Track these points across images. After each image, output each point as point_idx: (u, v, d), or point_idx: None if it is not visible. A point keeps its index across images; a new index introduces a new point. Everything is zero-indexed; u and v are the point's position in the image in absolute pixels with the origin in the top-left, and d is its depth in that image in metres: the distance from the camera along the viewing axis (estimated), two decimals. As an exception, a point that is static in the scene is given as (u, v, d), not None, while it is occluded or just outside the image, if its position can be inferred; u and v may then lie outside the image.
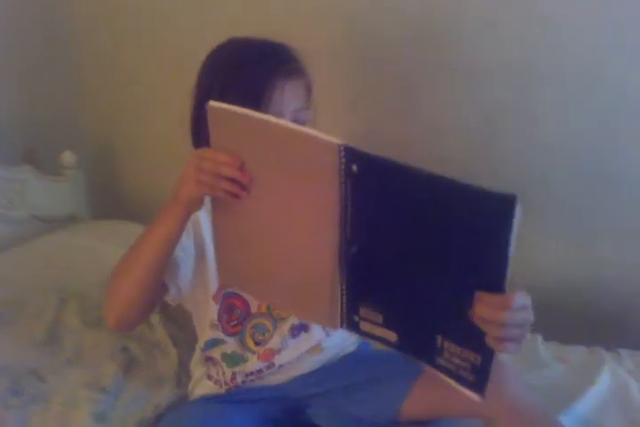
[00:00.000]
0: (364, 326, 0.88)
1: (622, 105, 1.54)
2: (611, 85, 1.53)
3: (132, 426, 1.12)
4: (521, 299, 0.72)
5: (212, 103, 0.86)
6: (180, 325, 1.46)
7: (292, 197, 0.87)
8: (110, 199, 2.28)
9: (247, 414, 1.14)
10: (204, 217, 1.11)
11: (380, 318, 0.86)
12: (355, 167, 0.77)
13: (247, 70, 1.03)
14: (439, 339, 0.81)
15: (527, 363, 1.36)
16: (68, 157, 2.03)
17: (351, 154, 0.77)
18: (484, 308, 0.72)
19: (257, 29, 1.08)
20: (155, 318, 1.46)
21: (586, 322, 1.68)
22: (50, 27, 2.05)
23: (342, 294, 0.88)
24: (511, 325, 0.71)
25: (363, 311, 0.87)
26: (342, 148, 0.77)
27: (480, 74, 1.63)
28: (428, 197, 0.75)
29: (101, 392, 1.19)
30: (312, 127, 1.08)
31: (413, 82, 1.71)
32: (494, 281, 0.73)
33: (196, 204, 0.93)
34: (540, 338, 1.47)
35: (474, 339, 0.76)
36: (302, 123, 1.06)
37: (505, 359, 1.29)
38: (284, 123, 0.83)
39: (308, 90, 1.11)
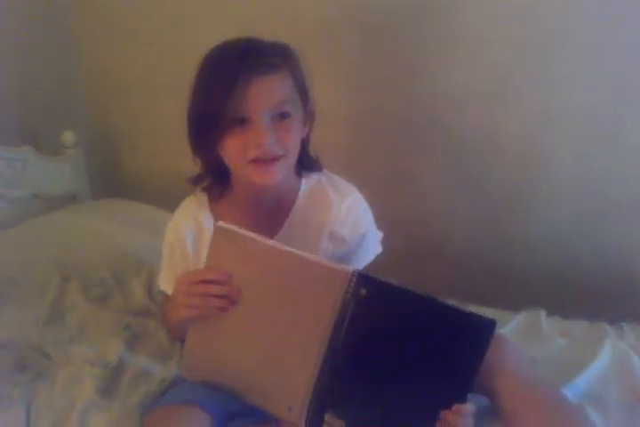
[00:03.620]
0: None
1: (628, 71, 1.53)
2: (615, 52, 1.52)
3: (138, 401, 1.12)
4: (473, 408, 0.91)
5: (221, 224, 0.95)
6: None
7: (283, 310, 0.96)
8: (111, 178, 2.27)
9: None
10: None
11: (342, 425, 0.96)
12: (363, 291, 0.90)
13: (213, 73, 1.05)
14: None
15: (530, 337, 1.37)
16: (68, 136, 2.02)
17: (363, 279, 0.90)
18: (455, 417, 0.88)
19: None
20: (159, 298, 1.47)
21: (588, 296, 1.69)
22: (48, 6, 2.02)
23: (312, 399, 0.97)
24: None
25: (328, 416, 0.97)
26: (355, 274, 0.90)
27: (484, 42, 1.63)
28: (421, 317, 0.89)
29: (106, 368, 1.19)
30: (305, 118, 1.12)
31: (415, 50, 1.70)
32: (460, 392, 0.89)
33: (192, 321, 1.02)
34: (542, 313, 1.48)
35: None
36: (285, 116, 1.06)
37: (508, 334, 1.30)
38: (293, 250, 0.93)
39: (291, 82, 1.09)
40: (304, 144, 1.16)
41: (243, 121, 1.04)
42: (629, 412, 1.13)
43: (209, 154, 1.12)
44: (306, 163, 1.20)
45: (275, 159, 1.07)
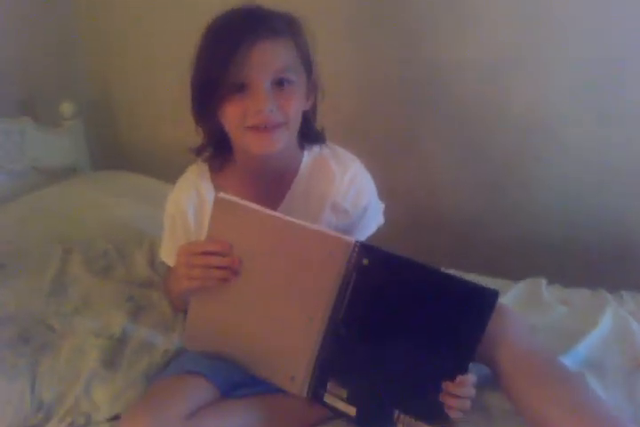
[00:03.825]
0: (328, 398, 0.98)
1: (628, 48, 1.52)
2: (615, 29, 1.51)
3: (141, 372, 1.14)
4: (474, 378, 0.91)
5: (221, 195, 0.94)
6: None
7: (285, 280, 0.96)
8: (111, 150, 2.26)
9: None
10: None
11: (344, 393, 0.97)
12: (365, 261, 0.90)
13: (216, 39, 1.04)
14: (396, 412, 0.94)
15: (531, 306, 1.37)
16: (67, 107, 2.01)
17: (365, 249, 0.90)
18: (458, 388, 0.89)
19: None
20: (161, 269, 1.47)
21: (589, 264, 1.69)
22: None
23: (315, 368, 0.98)
24: (469, 398, 0.90)
25: (330, 386, 0.97)
26: (357, 244, 0.90)
27: (490, 10, 1.60)
28: (422, 287, 0.89)
29: (110, 339, 1.20)
30: (309, 90, 1.10)
31: (419, 17, 1.68)
32: (462, 363, 0.89)
33: (194, 292, 1.04)
34: (543, 281, 1.48)
35: (430, 412, 0.92)
36: (286, 84, 1.05)
37: (508, 303, 1.31)
38: (295, 221, 0.93)
39: (294, 50, 1.07)
40: (308, 116, 1.15)
41: (244, 87, 1.03)
42: (630, 378, 1.14)
43: (210, 123, 1.11)
44: (310, 135, 1.19)
45: (275, 127, 1.05)
